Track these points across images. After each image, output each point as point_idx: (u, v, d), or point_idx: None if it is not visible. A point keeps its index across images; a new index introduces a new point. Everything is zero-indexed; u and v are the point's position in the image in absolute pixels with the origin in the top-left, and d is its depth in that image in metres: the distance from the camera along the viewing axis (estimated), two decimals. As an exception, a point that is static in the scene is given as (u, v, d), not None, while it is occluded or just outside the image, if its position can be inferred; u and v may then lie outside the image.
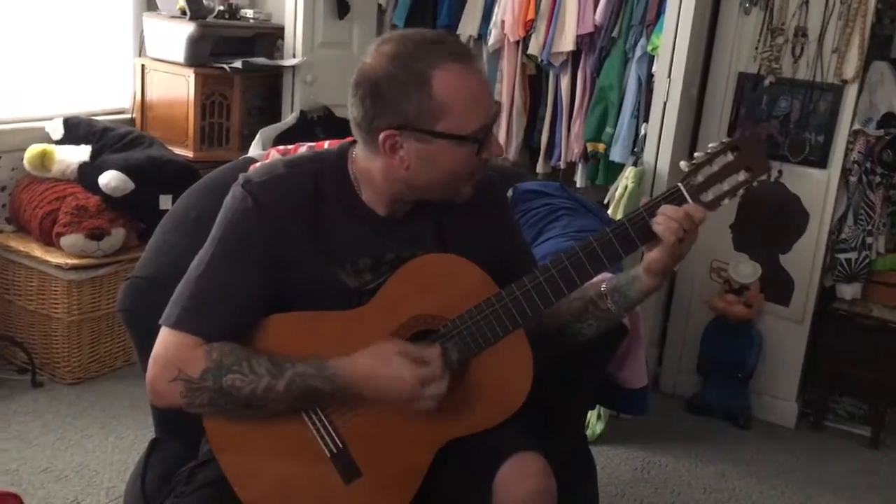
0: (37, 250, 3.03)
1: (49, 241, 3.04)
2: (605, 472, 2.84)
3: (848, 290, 3.20)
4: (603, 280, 1.50)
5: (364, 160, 1.41)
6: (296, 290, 1.40)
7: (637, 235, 1.41)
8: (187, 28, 3.32)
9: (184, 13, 3.37)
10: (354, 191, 1.43)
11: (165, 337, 1.36)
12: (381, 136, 1.33)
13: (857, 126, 3.06)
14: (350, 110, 1.38)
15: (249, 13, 3.62)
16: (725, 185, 1.44)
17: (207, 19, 3.40)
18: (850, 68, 2.99)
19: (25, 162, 3.10)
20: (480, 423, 1.41)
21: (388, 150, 1.34)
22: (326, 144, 2.14)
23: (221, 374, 1.32)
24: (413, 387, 1.32)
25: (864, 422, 3.26)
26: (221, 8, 3.54)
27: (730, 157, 1.44)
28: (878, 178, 3.12)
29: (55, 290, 3.01)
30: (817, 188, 3.12)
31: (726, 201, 1.45)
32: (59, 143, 3.22)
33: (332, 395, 1.34)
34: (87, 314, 3.06)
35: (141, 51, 3.57)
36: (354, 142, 1.44)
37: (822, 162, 3.10)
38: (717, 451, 3.06)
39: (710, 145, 1.47)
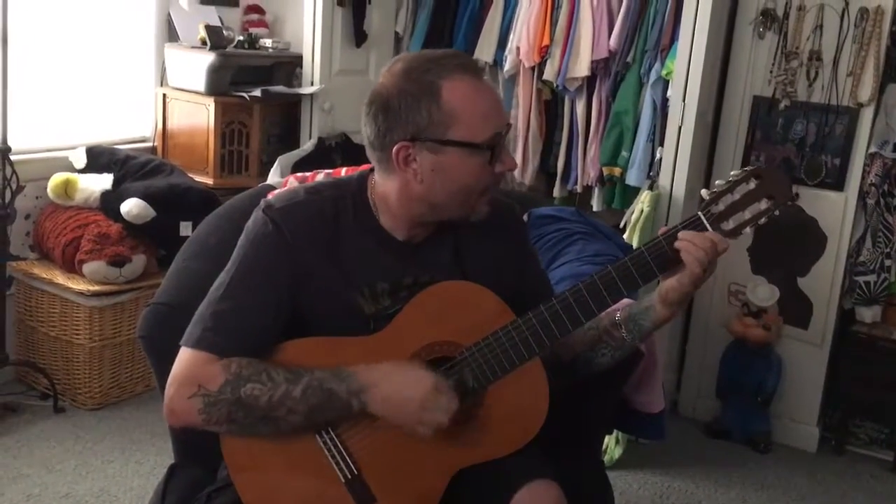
0: (59, 277, 3.08)
1: (72, 268, 3.09)
2: (624, 498, 2.82)
3: (867, 314, 3.18)
4: (617, 309, 1.50)
5: (381, 183, 1.43)
6: (313, 314, 1.42)
7: (656, 264, 1.41)
8: (208, 58, 3.37)
9: (204, 43, 3.43)
10: (373, 216, 1.44)
11: (185, 356, 1.37)
12: (395, 148, 1.35)
13: (873, 149, 3.06)
14: (363, 131, 1.40)
15: (268, 42, 3.68)
16: (747, 214, 1.42)
17: (227, 49, 3.46)
18: (866, 91, 3.00)
19: (49, 190, 3.15)
20: (495, 451, 1.42)
21: (401, 164, 1.36)
22: (344, 171, 2.18)
23: (240, 384, 1.33)
24: (429, 392, 1.32)
25: (887, 446, 3.22)
26: (241, 38, 3.60)
27: (752, 185, 1.42)
28: (895, 201, 3.10)
29: (77, 317, 3.05)
30: (834, 211, 3.12)
31: (748, 230, 1.44)
32: (82, 171, 3.27)
33: (347, 401, 1.34)
34: (108, 340, 3.10)
35: (162, 80, 3.63)
36: (373, 169, 1.46)
37: (838, 185, 3.10)
38: (737, 476, 3.03)
39: (731, 173, 1.45)
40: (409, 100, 1.33)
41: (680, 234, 1.39)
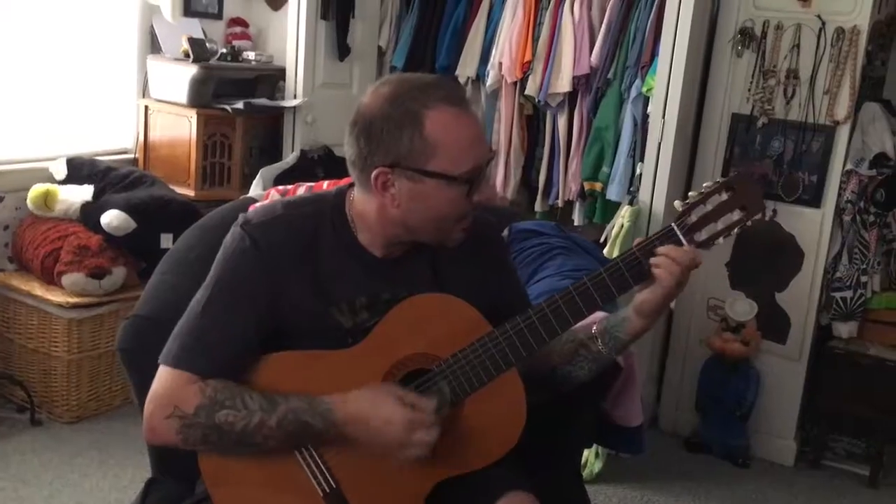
0: (38, 289, 3.05)
1: (51, 279, 3.07)
2: (604, 512, 2.83)
3: (844, 329, 3.21)
4: (594, 322, 1.51)
5: (360, 201, 1.43)
6: (292, 329, 1.42)
7: (631, 275, 1.42)
8: (190, 70, 3.38)
9: (187, 56, 3.43)
10: (351, 232, 1.45)
11: (163, 374, 1.37)
12: (374, 173, 1.36)
13: (849, 166, 3.10)
14: (346, 149, 1.41)
15: (251, 55, 3.69)
16: (720, 225, 1.43)
17: (210, 62, 3.46)
18: (842, 109, 3.04)
19: (29, 202, 3.14)
20: (473, 462, 1.42)
21: (380, 188, 1.37)
22: (326, 184, 2.18)
23: (215, 409, 1.33)
24: (403, 430, 1.32)
25: (863, 460, 3.26)
26: (224, 50, 3.61)
27: (724, 196, 1.43)
28: (871, 218, 3.15)
29: (56, 329, 3.03)
30: (811, 227, 3.15)
31: (720, 240, 1.45)
32: (62, 183, 3.25)
33: (324, 433, 1.35)
34: (86, 353, 3.07)
35: (144, 92, 3.62)
36: (353, 184, 1.47)
37: (815, 201, 3.14)
38: (716, 490, 3.05)
39: (704, 184, 1.47)
40: (392, 126, 1.34)
41: (658, 250, 1.40)
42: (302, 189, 2.20)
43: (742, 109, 3.20)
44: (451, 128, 1.34)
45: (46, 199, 3.13)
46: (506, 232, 2.30)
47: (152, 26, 3.59)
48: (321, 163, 3.58)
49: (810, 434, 3.35)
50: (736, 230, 1.44)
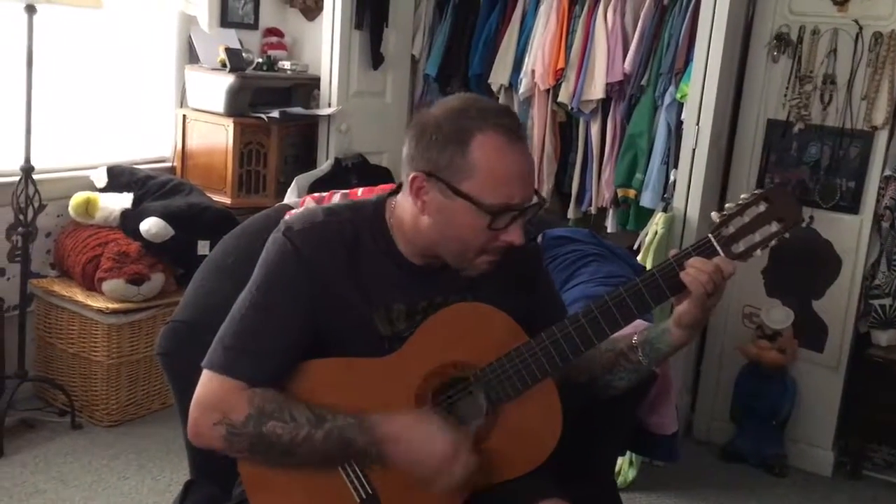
0: (79, 295, 3.12)
1: (91, 285, 3.13)
2: (638, 520, 2.82)
3: (883, 337, 3.17)
4: (634, 332, 1.51)
5: (401, 205, 1.45)
6: (332, 336, 1.43)
7: (667, 286, 1.42)
8: (227, 80, 3.43)
9: (224, 65, 3.48)
10: (391, 239, 1.46)
11: (209, 380, 1.39)
12: (412, 175, 1.38)
13: (888, 172, 3.06)
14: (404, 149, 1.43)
15: (287, 65, 3.73)
16: (757, 237, 1.42)
17: (247, 71, 3.51)
18: (880, 115, 3.00)
19: (70, 209, 3.21)
20: (508, 472, 1.42)
21: (414, 192, 1.39)
22: (360, 192, 2.20)
23: (263, 420, 1.35)
24: (442, 459, 1.33)
25: (903, 471, 3.21)
26: (260, 60, 3.66)
27: (761, 207, 1.42)
28: (910, 224, 3.10)
29: (95, 334, 3.09)
30: (849, 234, 3.11)
31: (758, 252, 1.44)
32: (102, 190, 3.32)
33: (365, 450, 1.36)
34: (125, 357, 3.13)
35: (182, 102, 3.69)
36: (391, 193, 1.49)
37: (853, 208, 3.10)
38: (752, 500, 3.02)
39: (741, 196, 1.46)
40: (441, 137, 1.35)
41: (687, 262, 1.40)
42: (337, 196, 2.22)
43: (778, 115, 3.18)
44: (493, 156, 1.35)
45: (88, 207, 3.19)
46: (539, 239, 2.30)
47: (190, 37, 3.65)
48: (355, 170, 3.61)
49: (849, 444, 3.30)
50: (773, 242, 1.43)
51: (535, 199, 1.42)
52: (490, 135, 1.34)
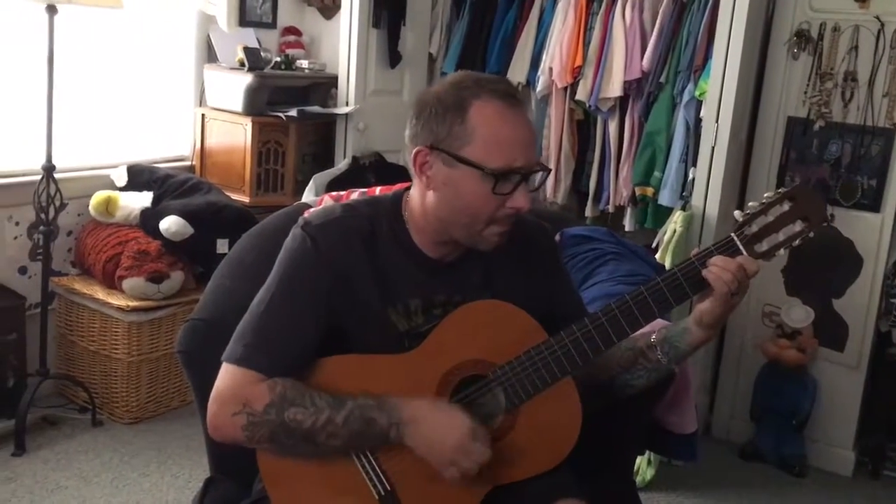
0: (100, 293, 3.14)
1: (111, 283, 3.16)
2: (656, 520, 2.81)
3: (905, 336, 3.14)
4: (653, 330, 1.50)
5: (413, 192, 1.46)
6: (350, 331, 1.44)
7: (688, 285, 1.41)
8: (245, 79, 3.44)
9: (242, 65, 3.50)
10: (407, 233, 1.47)
11: (228, 373, 1.40)
12: (415, 150, 1.39)
13: (910, 169, 3.03)
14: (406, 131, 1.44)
15: (305, 63, 3.74)
16: (781, 236, 1.41)
17: (265, 70, 3.52)
18: (902, 112, 2.98)
19: (91, 208, 3.23)
20: (527, 470, 1.42)
21: (418, 168, 1.40)
22: (378, 190, 2.20)
23: (284, 407, 1.35)
24: (459, 441, 1.33)
25: (925, 471, 3.18)
26: (278, 59, 3.67)
27: (786, 206, 1.41)
28: (933, 223, 3.07)
29: (116, 332, 3.12)
30: (871, 232, 3.09)
31: (781, 252, 1.42)
32: (122, 189, 3.34)
33: (386, 431, 1.36)
34: (146, 355, 3.15)
35: (201, 101, 3.70)
36: (408, 188, 1.49)
37: (875, 206, 3.07)
38: (772, 500, 3.00)
39: (765, 195, 1.44)
40: (440, 108, 1.37)
41: (710, 260, 1.39)
42: (355, 195, 2.22)
43: (798, 113, 3.16)
44: (492, 120, 1.35)
45: (108, 206, 3.22)
46: (557, 237, 2.29)
47: (209, 36, 3.67)
48: (373, 169, 3.62)
49: (869, 443, 3.27)
50: (797, 241, 1.42)
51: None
52: (487, 100, 1.35)
